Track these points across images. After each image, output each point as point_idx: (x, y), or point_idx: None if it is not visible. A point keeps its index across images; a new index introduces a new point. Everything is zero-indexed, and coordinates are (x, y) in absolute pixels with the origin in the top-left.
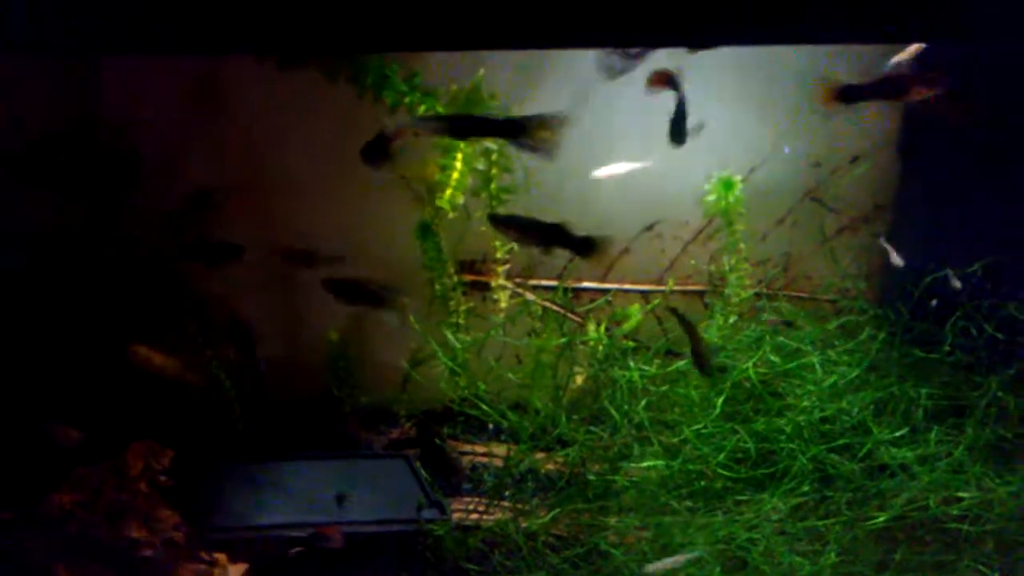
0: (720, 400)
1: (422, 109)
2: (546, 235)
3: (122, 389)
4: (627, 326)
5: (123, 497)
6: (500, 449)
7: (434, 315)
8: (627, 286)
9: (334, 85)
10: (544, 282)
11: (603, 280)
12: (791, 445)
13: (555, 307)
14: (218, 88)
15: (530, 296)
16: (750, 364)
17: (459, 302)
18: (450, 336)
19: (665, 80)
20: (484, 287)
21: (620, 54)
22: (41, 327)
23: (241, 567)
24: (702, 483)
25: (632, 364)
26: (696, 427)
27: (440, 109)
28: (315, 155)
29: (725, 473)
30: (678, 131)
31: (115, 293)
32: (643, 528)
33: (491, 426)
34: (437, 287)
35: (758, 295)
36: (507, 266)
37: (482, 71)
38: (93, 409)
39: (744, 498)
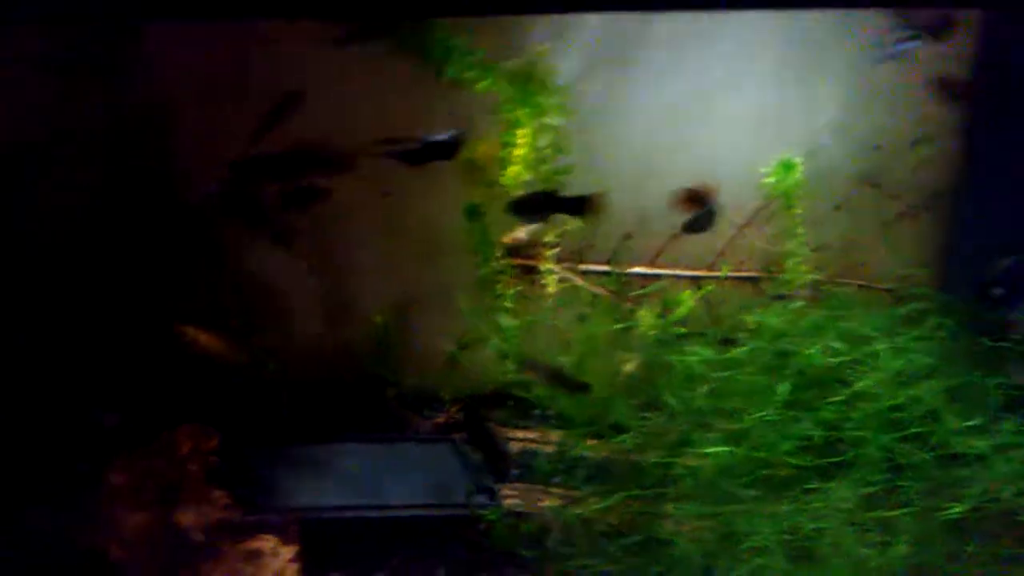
0: (785, 387)
1: (482, 84)
2: (539, 205)
3: (168, 370)
4: (679, 312)
5: (173, 478)
6: (548, 435)
7: (481, 298)
8: (678, 271)
9: (397, 57)
10: (593, 267)
11: (653, 265)
12: (859, 433)
13: (605, 292)
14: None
15: (579, 281)
16: (814, 350)
17: (507, 285)
18: (500, 319)
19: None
20: (532, 271)
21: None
22: (87, 305)
23: (291, 549)
24: (764, 471)
25: (692, 349)
26: (760, 414)
27: (499, 85)
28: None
29: (792, 461)
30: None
31: (162, 272)
32: (704, 517)
33: (537, 411)
34: (484, 270)
35: (815, 281)
36: (556, 249)
37: (545, 46)
38: (139, 390)
39: (810, 487)
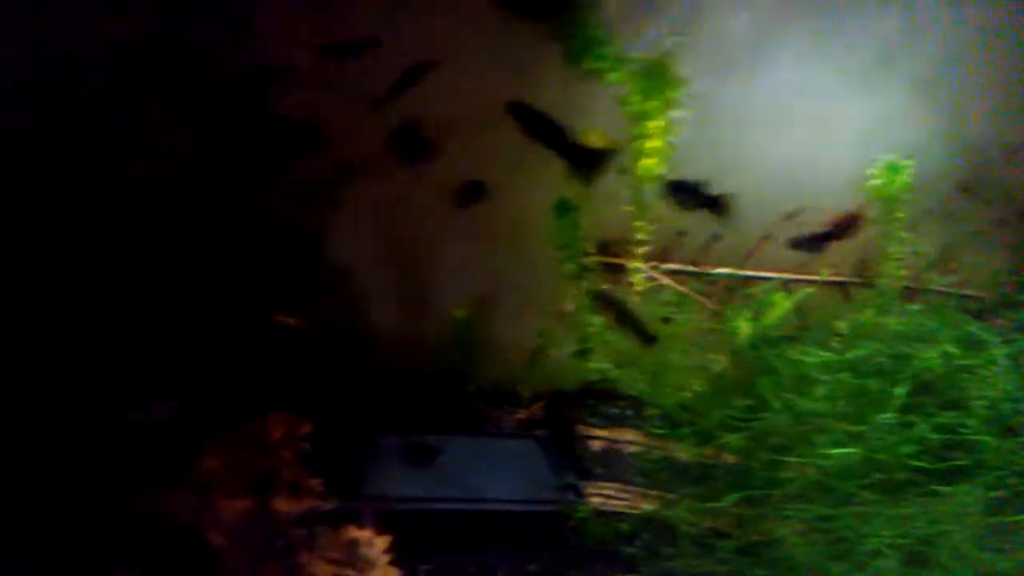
0: (901, 390)
1: (614, 76)
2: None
3: (256, 357)
4: (774, 314)
5: (267, 464)
6: (630, 434)
7: (566, 295)
8: (765, 273)
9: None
10: (678, 266)
11: (742, 267)
12: (979, 438)
13: (691, 292)
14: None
15: (666, 280)
16: (934, 354)
17: (593, 283)
18: (585, 316)
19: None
20: (618, 269)
21: None
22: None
23: (385, 539)
24: (879, 475)
25: (805, 350)
26: (879, 416)
27: (632, 77)
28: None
29: (913, 464)
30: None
31: (258, 258)
32: (820, 519)
33: (615, 411)
34: (569, 267)
35: (907, 288)
36: (645, 248)
37: (672, 39)
38: (227, 375)
39: (928, 492)
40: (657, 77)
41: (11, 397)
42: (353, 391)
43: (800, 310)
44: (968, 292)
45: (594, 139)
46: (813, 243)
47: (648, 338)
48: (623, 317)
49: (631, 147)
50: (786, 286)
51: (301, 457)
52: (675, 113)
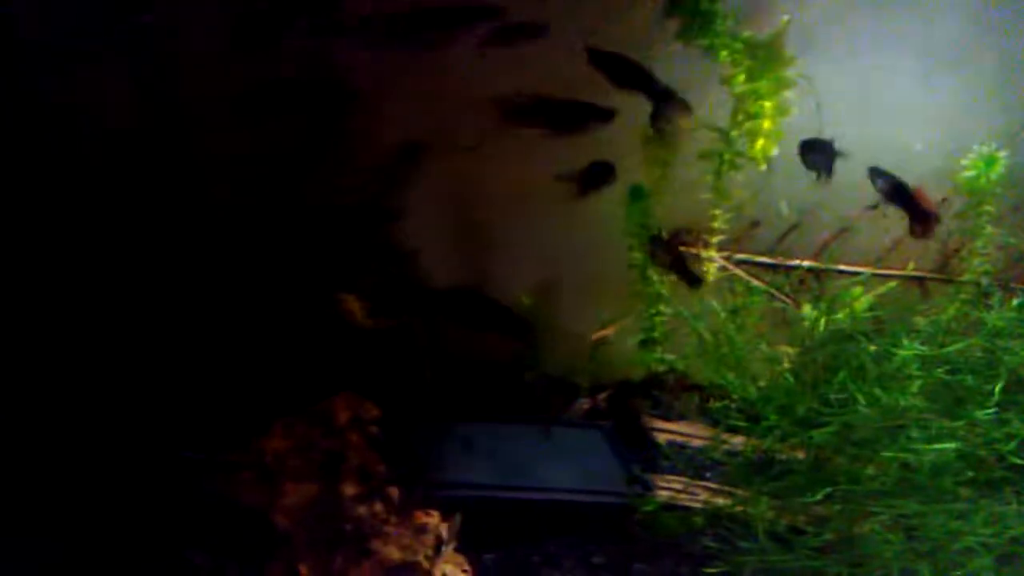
0: (998, 387)
1: (724, 54)
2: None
3: (322, 339)
4: (851, 308)
5: (334, 447)
6: (695, 428)
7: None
8: (842, 266)
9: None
10: (750, 257)
11: (817, 259)
12: None
13: (763, 284)
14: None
15: (738, 271)
16: None
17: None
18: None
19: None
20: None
21: None
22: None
23: (452, 526)
24: (971, 473)
25: (907, 343)
26: (980, 412)
27: (741, 56)
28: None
29: (1014, 460)
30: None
31: (324, 240)
32: (909, 516)
33: (681, 403)
34: (639, 255)
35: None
36: (720, 237)
37: (786, 18)
38: (293, 357)
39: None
40: (768, 57)
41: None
42: (419, 376)
43: (875, 305)
44: None
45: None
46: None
47: (695, 281)
48: (674, 261)
49: (737, 128)
50: (864, 280)
51: (369, 441)
52: (785, 94)
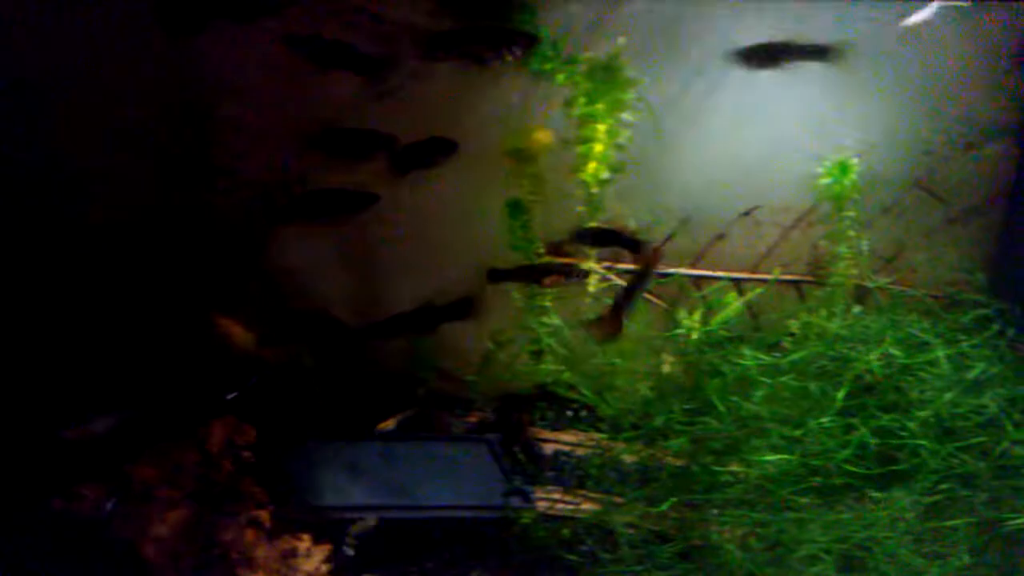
0: (841, 393)
1: (561, 77)
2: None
3: (201, 362)
4: (724, 315)
5: (206, 472)
6: (581, 437)
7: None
8: (719, 273)
9: None
10: (633, 267)
11: (694, 266)
12: (917, 442)
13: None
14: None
15: (619, 280)
16: (873, 356)
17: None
18: (540, 319)
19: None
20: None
21: None
22: (123, 295)
23: (325, 548)
24: (818, 479)
25: (745, 353)
26: (817, 421)
27: (579, 79)
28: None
29: (850, 468)
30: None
31: (200, 263)
32: (757, 524)
33: (570, 413)
34: None
35: (861, 287)
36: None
37: (622, 40)
38: (170, 381)
39: (866, 496)
40: (605, 79)
41: None
42: (304, 396)
43: (754, 310)
44: (922, 291)
45: (540, 137)
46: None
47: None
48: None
49: (578, 150)
50: (739, 286)
51: (243, 465)
52: (623, 116)
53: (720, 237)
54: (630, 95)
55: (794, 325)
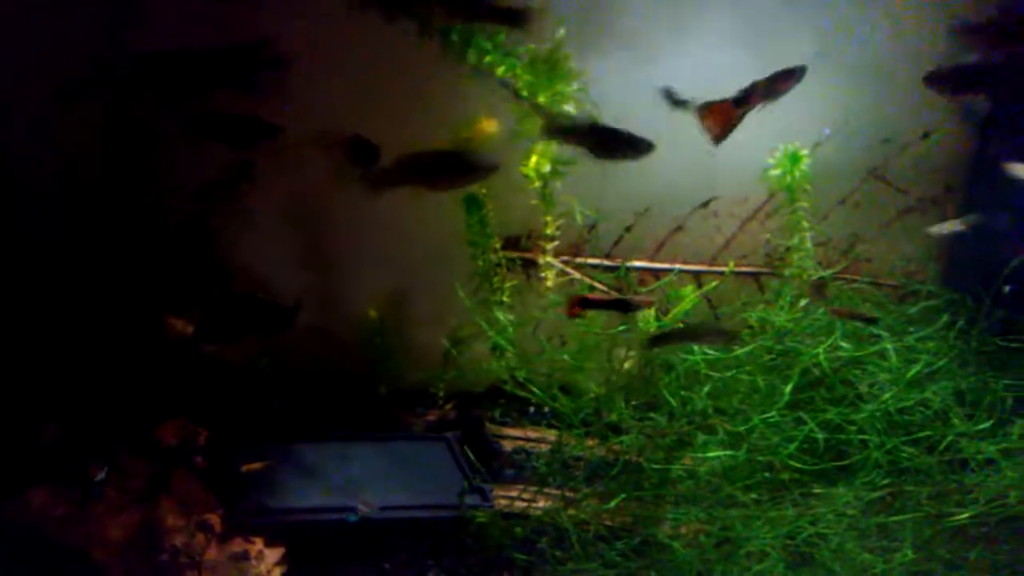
0: (788, 388)
1: (501, 70)
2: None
3: (153, 365)
4: (680, 308)
5: (157, 476)
6: (542, 434)
7: (477, 292)
8: (679, 266)
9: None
10: (592, 260)
11: (654, 259)
12: (864, 437)
13: (603, 287)
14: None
15: (577, 275)
16: (821, 350)
17: (503, 279)
18: (496, 314)
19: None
20: (530, 264)
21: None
22: (71, 300)
23: (278, 551)
24: (766, 474)
25: (695, 347)
26: (765, 415)
27: (520, 71)
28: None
29: (795, 464)
30: None
31: (149, 266)
32: (705, 520)
33: (532, 410)
34: (480, 263)
35: (820, 278)
36: (555, 243)
37: (562, 31)
38: (121, 387)
39: (813, 491)
40: (546, 72)
41: None
42: (262, 397)
43: (713, 303)
44: (877, 282)
45: (486, 127)
46: None
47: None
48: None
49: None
50: (698, 278)
51: (194, 468)
52: (567, 108)
53: (678, 229)
54: (572, 87)
55: (752, 317)
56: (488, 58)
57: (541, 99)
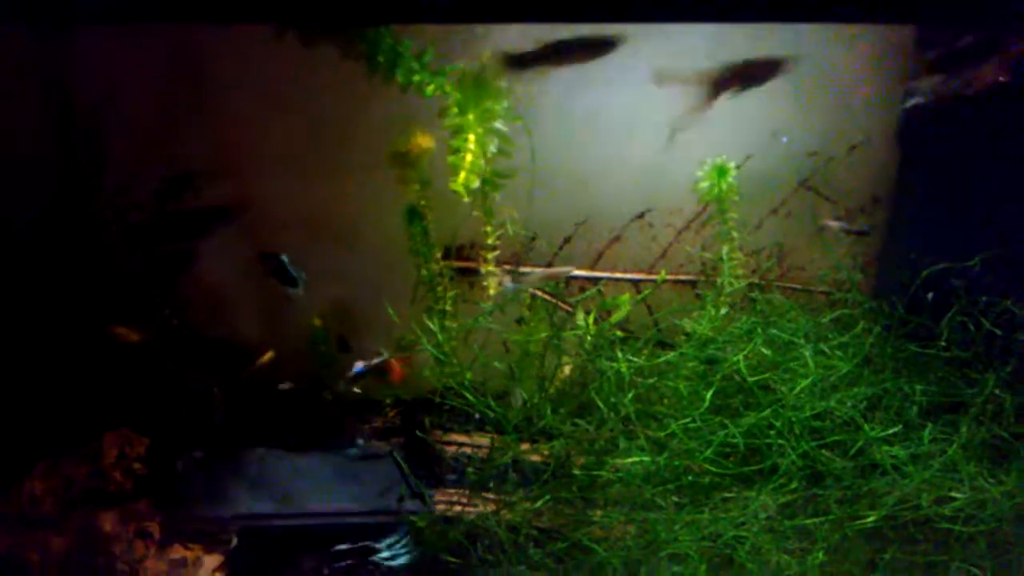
0: (709, 394)
1: (430, 89)
2: None
3: (97, 375)
4: (616, 316)
5: (96, 486)
6: (485, 439)
7: (420, 301)
8: (617, 275)
9: (347, 60)
10: (531, 270)
11: (593, 268)
12: (781, 441)
13: (544, 295)
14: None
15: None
16: (740, 357)
17: (446, 288)
18: (436, 324)
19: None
20: (472, 273)
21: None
22: (15, 313)
23: (216, 558)
24: (689, 478)
25: (620, 355)
26: (684, 421)
27: (448, 89)
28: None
29: (713, 469)
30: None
31: (90, 277)
32: (628, 523)
33: (476, 416)
34: (423, 272)
35: (751, 286)
36: (496, 252)
37: (489, 52)
38: (67, 396)
39: (732, 495)
40: (475, 90)
41: None
42: (205, 405)
43: (652, 311)
44: (812, 288)
45: (421, 141)
46: None
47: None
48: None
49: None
50: (637, 287)
51: (134, 477)
52: (496, 125)
53: (616, 239)
54: (501, 105)
55: (688, 325)
56: (416, 77)
57: (470, 116)
